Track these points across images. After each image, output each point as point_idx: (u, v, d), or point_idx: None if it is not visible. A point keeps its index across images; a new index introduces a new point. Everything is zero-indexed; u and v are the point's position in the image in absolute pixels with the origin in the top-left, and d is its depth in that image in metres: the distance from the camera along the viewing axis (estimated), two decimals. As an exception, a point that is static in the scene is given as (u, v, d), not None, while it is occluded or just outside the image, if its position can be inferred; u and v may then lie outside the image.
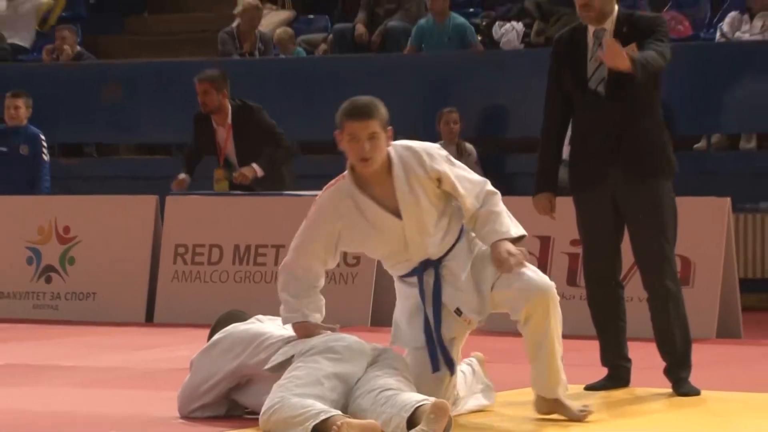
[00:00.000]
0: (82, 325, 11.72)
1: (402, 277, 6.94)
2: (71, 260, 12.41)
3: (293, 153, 12.56)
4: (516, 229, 6.91)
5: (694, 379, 7.91)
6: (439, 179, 6.79)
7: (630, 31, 7.96)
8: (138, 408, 7.77)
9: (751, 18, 13.80)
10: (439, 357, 6.75)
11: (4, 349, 10.29)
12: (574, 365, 7.49)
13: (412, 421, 6.27)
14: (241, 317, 7.47)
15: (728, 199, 10.95)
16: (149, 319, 12.04)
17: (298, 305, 6.87)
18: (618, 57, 7.50)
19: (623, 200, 8.00)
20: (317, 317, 6.93)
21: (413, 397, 6.39)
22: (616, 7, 8.00)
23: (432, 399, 6.30)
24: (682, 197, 9.92)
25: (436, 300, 6.73)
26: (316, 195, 6.82)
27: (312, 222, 6.91)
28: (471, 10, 15.46)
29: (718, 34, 13.99)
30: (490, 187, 6.96)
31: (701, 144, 13.95)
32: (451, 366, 6.79)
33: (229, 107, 12.56)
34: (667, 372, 7.98)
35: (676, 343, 7.94)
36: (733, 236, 11.15)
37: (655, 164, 8.02)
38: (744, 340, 10.80)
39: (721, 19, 14.11)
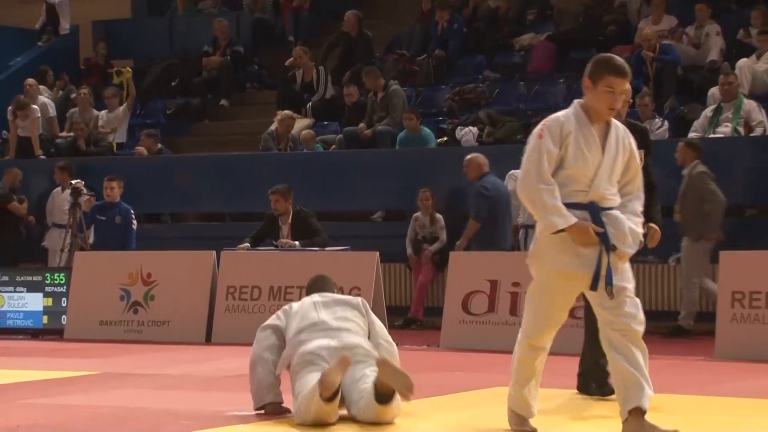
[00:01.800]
0: (159, 344, 11.67)
1: (569, 206, 6.09)
2: (152, 297, 12.34)
3: (326, 241, 12.55)
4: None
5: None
6: (630, 158, 6.27)
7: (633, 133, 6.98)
8: (201, 405, 7.71)
9: (642, 122, 13.77)
10: (599, 278, 6.04)
11: (104, 362, 10.25)
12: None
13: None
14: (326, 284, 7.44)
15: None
16: (208, 340, 11.97)
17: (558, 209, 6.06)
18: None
19: None
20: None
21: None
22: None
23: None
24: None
25: (604, 238, 6.05)
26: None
27: (542, 140, 6.13)
28: (441, 118, 15.50)
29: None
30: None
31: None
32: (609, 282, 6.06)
33: (291, 211, 12.58)
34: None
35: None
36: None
37: None
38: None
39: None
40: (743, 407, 7.56)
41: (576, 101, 6.26)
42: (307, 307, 7.19)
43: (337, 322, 7.06)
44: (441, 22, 16.84)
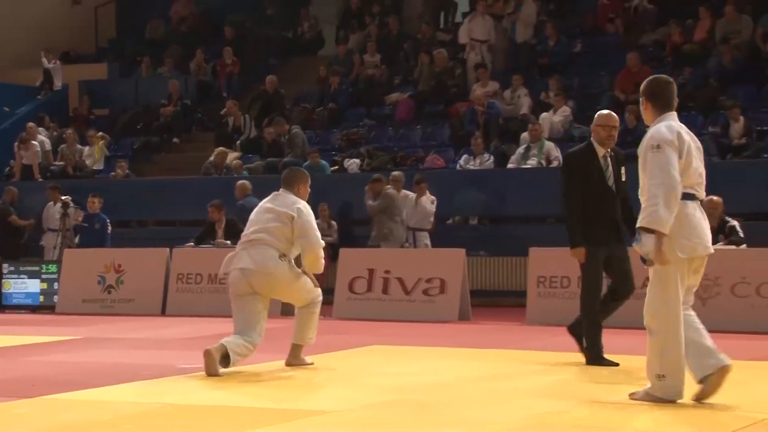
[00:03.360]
0: (127, 316, 11.44)
1: None
2: (122, 281, 12.12)
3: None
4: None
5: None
6: None
7: (617, 156, 6.97)
8: (159, 360, 7.57)
9: (475, 157, 13.97)
10: None
11: (86, 330, 10.02)
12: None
13: None
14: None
15: (463, 250, 11.00)
16: (163, 312, 11.77)
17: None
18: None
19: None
20: None
21: None
22: None
23: None
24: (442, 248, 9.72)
25: None
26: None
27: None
28: (333, 153, 15.49)
29: (458, 166, 14.11)
30: None
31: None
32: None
33: (224, 220, 12.40)
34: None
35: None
36: (466, 267, 11.07)
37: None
38: (472, 321, 10.76)
39: (460, 158, 14.24)
40: (548, 358, 7.68)
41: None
42: (255, 210, 6.87)
43: (257, 234, 6.68)
44: (333, 84, 16.88)
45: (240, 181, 13.30)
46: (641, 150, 5.21)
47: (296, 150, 15.07)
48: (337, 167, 14.94)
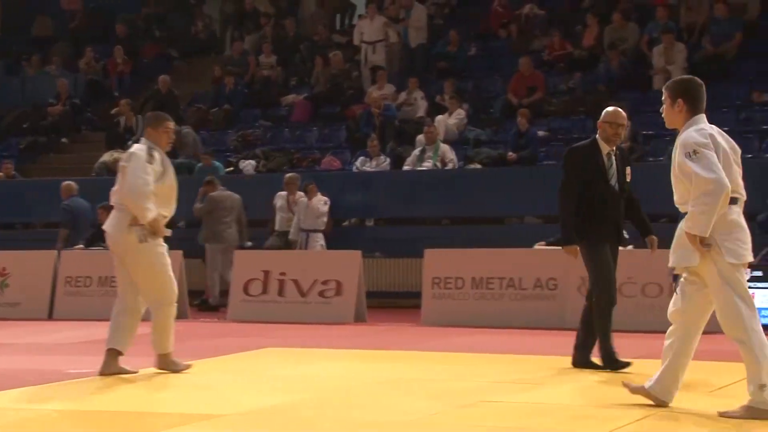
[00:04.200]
0: (12, 321, 11.04)
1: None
2: (6, 285, 11.75)
3: None
4: None
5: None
6: None
7: (623, 155, 6.78)
8: (46, 365, 7.31)
9: (371, 158, 13.98)
10: None
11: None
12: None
13: None
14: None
15: (359, 251, 10.97)
16: (50, 317, 11.42)
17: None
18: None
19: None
20: None
21: None
22: None
23: None
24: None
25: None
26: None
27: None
28: (228, 154, 15.27)
29: (354, 167, 14.10)
30: None
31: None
32: None
33: None
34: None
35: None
36: (362, 269, 11.00)
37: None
38: (368, 322, 10.77)
39: (356, 159, 14.21)
40: (443, 359, 7.73)
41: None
42: None
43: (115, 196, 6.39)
44: (228, 85, 16.68)
45: (65, 182, 13.15)
46: (676, 160, 4.90)
47: (187, 150, 14.86)
48: (232, 168, 14.76)
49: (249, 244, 12.52)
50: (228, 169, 14.73)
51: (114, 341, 6.30)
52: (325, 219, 12.71)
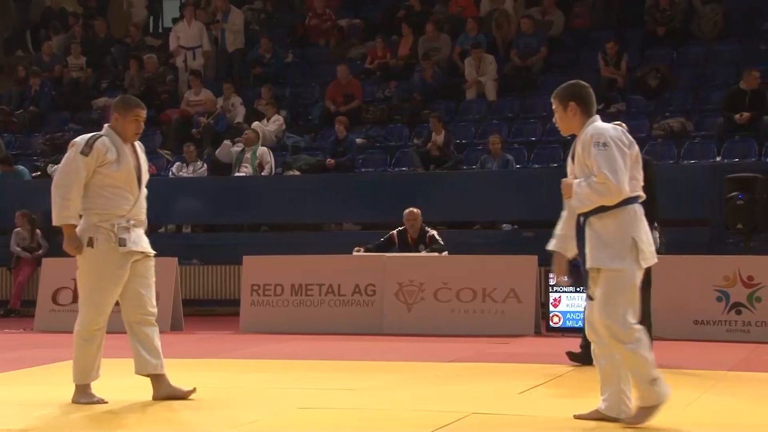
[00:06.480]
0: None
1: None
2: None
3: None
4: None
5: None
6: None
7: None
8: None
9: (188, 164, 13.75)
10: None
11: None
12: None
13: None
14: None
15: (175, 258, 10.73)
16: None
17: None
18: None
19: None
20: None
21: None
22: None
23: None
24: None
25: None
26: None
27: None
28: (35, 158, 14.67)
29: (170, 173, 13.78)
30: None
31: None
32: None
33: None
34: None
35: None
36: (179, 276, 10.75)
37: None
38: (185, 331, 10.51)
39: (173, 165, 13.90)
40: (262, 366, 7.68)
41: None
42: None
43: None
44: (34, 86, 16.00)
45: None
46: (582, 147, 4.71)
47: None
48: (39, 173, 14.15)
49: None
50: (35, 174, 14.11)
51: None
52: (140, 226, 12.37)
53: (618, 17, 15.31)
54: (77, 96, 16.19)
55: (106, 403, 5.62)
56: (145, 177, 5.79)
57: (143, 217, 5.80)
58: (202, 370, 7.25)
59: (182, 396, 5.70)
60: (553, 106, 4.91)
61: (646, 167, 6.34)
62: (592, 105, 4.86)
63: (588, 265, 4.72)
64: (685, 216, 11.20)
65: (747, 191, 10.22)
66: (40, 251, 12.67)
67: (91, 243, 5.59)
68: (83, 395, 5.63)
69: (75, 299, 10.61)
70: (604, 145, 4.66)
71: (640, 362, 4.63)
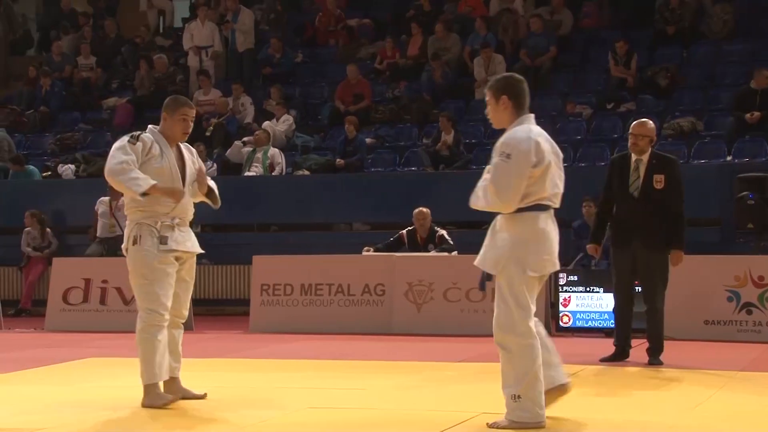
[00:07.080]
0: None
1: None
2: None
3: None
4: None
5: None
6: None
7: (658, 163, 7.20)
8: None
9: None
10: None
11: None
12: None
13: None
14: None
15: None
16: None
17: None
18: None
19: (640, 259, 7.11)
20: None
21: None
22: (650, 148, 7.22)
23: None
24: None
25: None
26: None
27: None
28: (46, 158, 14.69)
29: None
30: None
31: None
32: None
33: None
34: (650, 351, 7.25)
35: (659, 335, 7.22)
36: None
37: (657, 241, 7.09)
38: (195, 330, 10.52)
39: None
40: (272, 366, 7.70)
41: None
42: None
43: None
44: (44, 86, 16.05)
45: None
46: (494, 151, 4.69)
47: (2, 154, 14.21)
48: (50, 173, 14.20)
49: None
50: (45, 174, 14.17)
51: None
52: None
53: (627, 17, 15.29)
54: (87, 96, 16.24)
55: (178, 400, 5.51)
56: (191, 177, 5.66)
57: (189, 216, 5.75)
58: (212, 369, 7.27)
59: (193, 399, 5.70)
60: (486, 98, 4.81)
61: (671, 166, 7.33)
62: (524, 100, 4.73)
63: (475, 262, 4.82)
64: (696, 216, 11.17)
65: (758, 191, 10.19)
66: (52, 247, 12.73)
67: (136, 241, 5.51)
68: (154, 397, 5.46)
69: (85, 299, 10.69)
70: (508, 156, 4.60)
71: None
